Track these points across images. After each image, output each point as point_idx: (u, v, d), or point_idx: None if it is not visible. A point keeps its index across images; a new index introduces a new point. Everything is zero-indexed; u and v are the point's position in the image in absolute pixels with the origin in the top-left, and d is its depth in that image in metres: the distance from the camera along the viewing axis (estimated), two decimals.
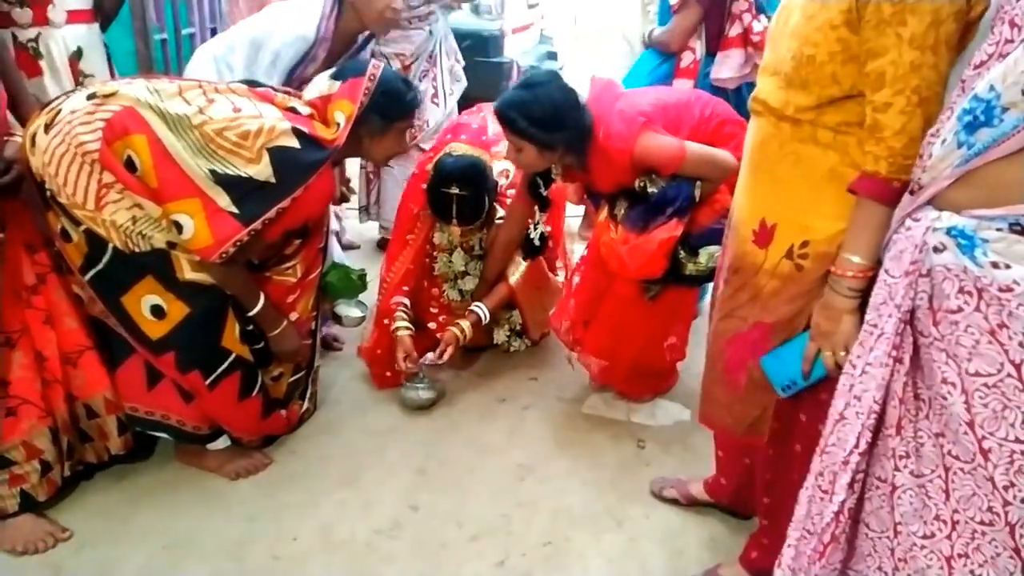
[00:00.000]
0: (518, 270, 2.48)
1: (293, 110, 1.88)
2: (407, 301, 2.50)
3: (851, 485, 1.10)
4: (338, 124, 1.88)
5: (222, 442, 2.05)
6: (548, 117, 1.94)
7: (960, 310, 0.99)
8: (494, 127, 2.50)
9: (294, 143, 1.80)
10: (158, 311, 1.80)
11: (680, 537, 1.93)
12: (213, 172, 1.72)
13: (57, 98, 1.76)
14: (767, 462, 1.60)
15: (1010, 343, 0.94)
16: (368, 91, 1.91)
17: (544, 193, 2.31)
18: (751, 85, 2.56)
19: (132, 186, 1.70)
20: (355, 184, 3.50)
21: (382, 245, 3.59)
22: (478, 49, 4.87)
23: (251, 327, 1.96)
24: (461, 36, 3.69)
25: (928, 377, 1.04)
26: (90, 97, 1.71)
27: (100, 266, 1.75)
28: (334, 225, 3.00)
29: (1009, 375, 0.94)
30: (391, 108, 1.97)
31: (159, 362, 1.86)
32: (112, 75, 2.16)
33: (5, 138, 1.67)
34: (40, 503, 1.84)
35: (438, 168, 2.34)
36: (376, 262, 3.51)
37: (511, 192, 2.49)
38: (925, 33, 1.08)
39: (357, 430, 2.32)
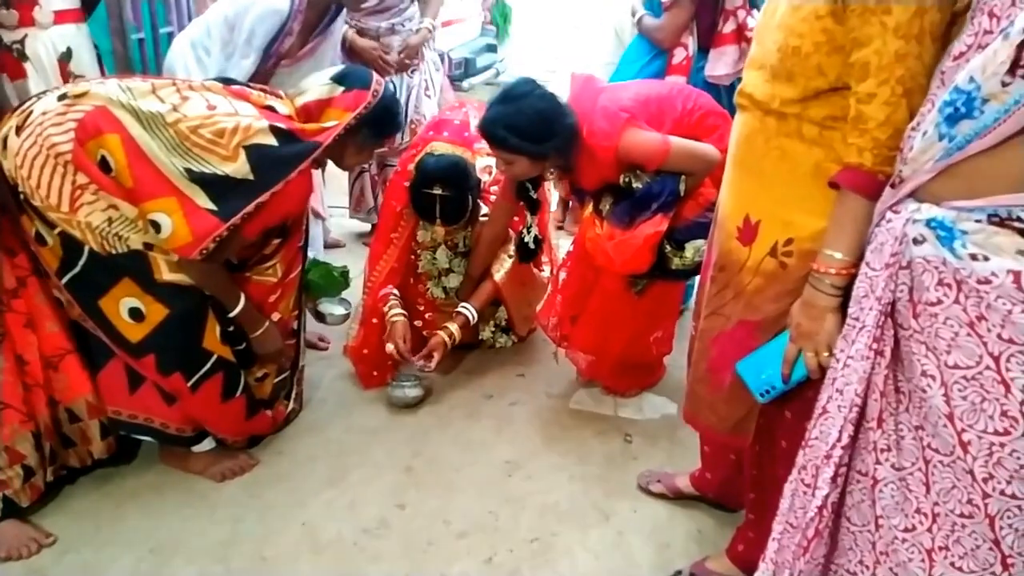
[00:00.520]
0: (503, 267, 2.47)
1: (271, 108, 1.87)
2: (396, 291, 2.49)
3: (834, 479, 1.10)
4: (324, 125, 1.88)
5: (207, 444, 2.04)
6: (537, 128, 1.93)
7: (939, 302, 0.99)
8: (475, 123, 2.49)
9: (271, 140, 1.79)
10: (136, 314, 1.78)
11: (667, 530, 1.93)
12: (188, 171, 1.71)
13: (28, 99, 1.73)
14: (753, 458, 1.60)
15: (988, 335, 0.94)
16: (368, 105, 1.93)
17: (534, 196, 2.30)
18: None
19: (106, 187, 1.68)
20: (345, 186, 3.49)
21: (366, 239, 3.57)
22: None
23: (232, 328, 1.95)
24: None
25: (908, 370, 1.04)
26: (61, 98, 1.69)
27: (76, 269, 1.73)
28: (316, 225, 2.98)
29: (988, 367, 0.94)
30: (382, 126, 2.03)
31: (139, 365, 1.84)
32: (103, 75, 2.13)
33: None
34: (23, 508, 1.82)
35: (420, 168, 2.32)
36: (362, 259, 3.51)
37: (495, 189, 2.48)
38: (910, 22, 1.07)
39: (343, 429, 2.31)
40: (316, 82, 1.98)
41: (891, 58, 1.09)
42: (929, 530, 1.01)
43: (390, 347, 2.36)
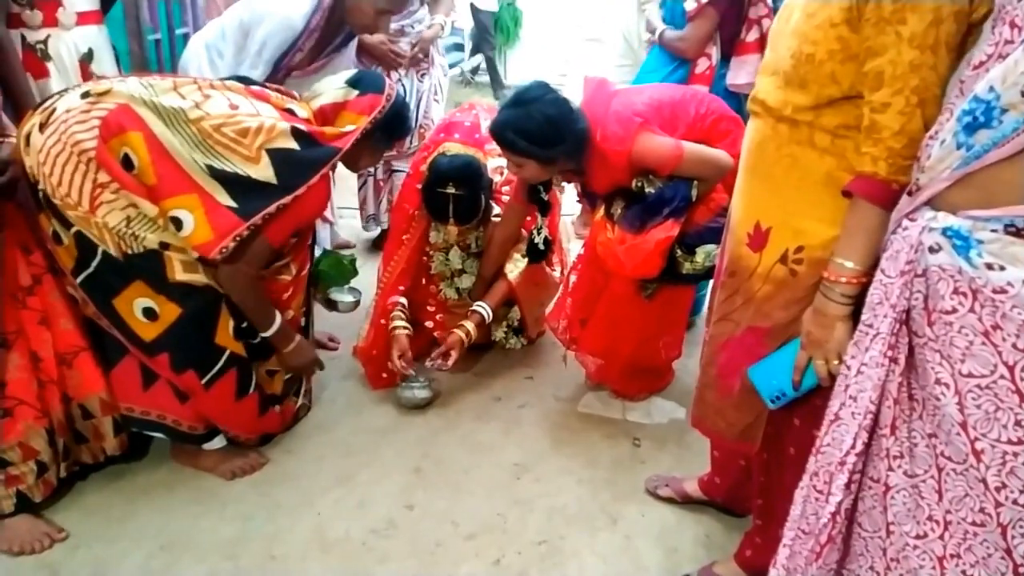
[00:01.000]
0: (518, 267, 2.48)
1: (290, 111, 1.89)
2: (404, 301, 2.50)
3: (848, 485, 1.10)
4: (343, 130, 1.91)
5: (218, 442, 2.05)
6: (545, 133, 1.94)
7: (954, 311, 0.99)
8: (487, 124, 2.50)
9: (293, 144, 1.82)
10: (150, 313, 1.80)
11: (675, 535, 1.94)
12: (210, 167, 1.73)
13: (50, 97, 1.75)
14: (761, 465, 1.60)
15: (1003, 345, 0.94)
16: (383, 109, 1.97)
17: (544, 197, 2.31)
18: None
19: (128, 185, 1.70)
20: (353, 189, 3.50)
21: (378, 244, 3.58)
22: None
23: (245, 324, 1.96)
24: None
25: (922, 378, 1.04)
26: (84, 95, 1.70)
27: (90, 269, 1.75)
28: (324, 228, 3.00)
29: (1002, 377, 0.94)
30: (394, 129, 2.08)
31: (153, 363, 1.86)
32: (121, 75, 2.14)
33: (1, 139, 1.66)
34: (36, 504, 1.84)
35: (433, 169, 2.33)
36: (371, 260, 3.53)
37: (506, 189, 2.49)
38: (925, 32, 1.07)
39: (352, 429, 2.32)
40: (331, 85, 2.01)
41: (905, 68, 1.09)
42: (941, 537, 1.01)
43: (395, 359, 2.38)
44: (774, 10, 2.53)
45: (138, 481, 2.03)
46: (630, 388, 2.45)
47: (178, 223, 1.72)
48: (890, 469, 1.07)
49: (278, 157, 1.78)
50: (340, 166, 2.10)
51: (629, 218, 1.99)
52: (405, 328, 2.44)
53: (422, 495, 2.05)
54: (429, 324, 2.63)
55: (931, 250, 1.02)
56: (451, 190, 2.27)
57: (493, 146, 2.39)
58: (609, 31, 3.40)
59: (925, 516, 1.03)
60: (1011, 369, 0.94)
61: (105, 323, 1.82)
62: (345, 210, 3.83)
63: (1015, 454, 0.94)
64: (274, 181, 1.78)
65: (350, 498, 2.02)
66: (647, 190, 1.98)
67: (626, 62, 3.22)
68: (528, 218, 2.46)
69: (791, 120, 1.27)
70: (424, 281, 2.62)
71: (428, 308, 2.64)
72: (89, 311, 1.83)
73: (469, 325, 2.42)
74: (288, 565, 1.80)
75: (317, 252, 2.37)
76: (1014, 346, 0.93)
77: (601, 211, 2.09)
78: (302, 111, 1.92)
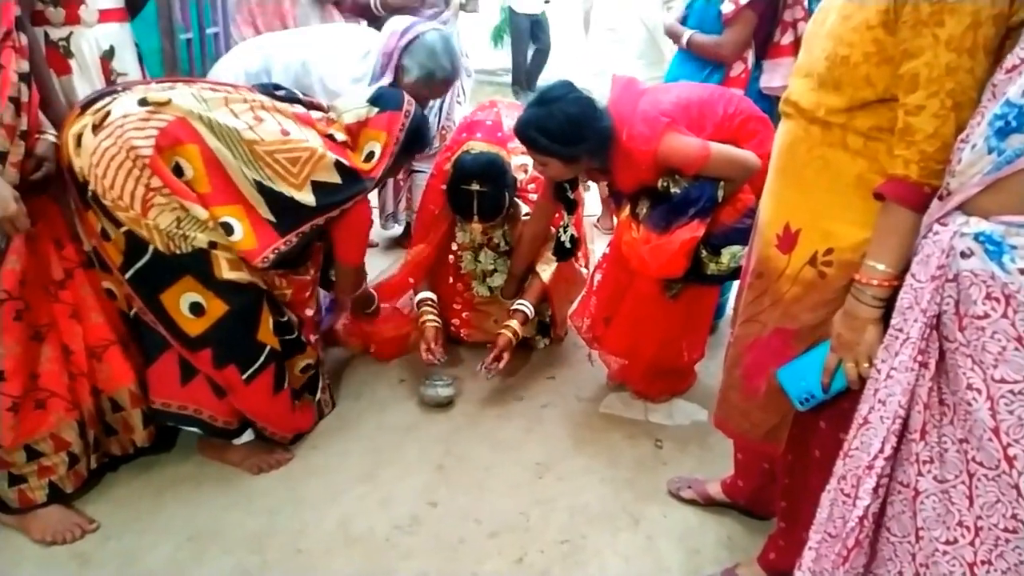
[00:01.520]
0: (550, 267, 2.50)
1: (331, 137, 2.00)
2: (434, 297, 2.53)
3: (876, 490, 1.09)
4: (372, 152, 2.04)
5: (246, 436, 2.08)
6: (567, 132, 1.95)
7: (987, 316, 0.98)
8: (508, 122, 2.52)
9: (336, 179, 1.95)
10: (197, 308, 1.84)
11: (697, 536, 1.94)
12: (258, 183, 1.83)
13: (100, 98, 1.77)
14: (785, 467, 1.60)
15: None
16: (403, 127, 2.08)
17: (571, 196, 2.32)
18: None
19: (179, 191, 1.75)
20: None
21: (401, 243, 3.61)
22: None
23: (284, 319, 2.02)
24: None
25: (953, 383, 1.04)
26: (142, 103, 1.74)
27: (139, 265, 1.78)
28: None
29: None
30: (414, 144, 2.17)
31: (195, 358, 1.89)
32: (143, 75, 2.18)
33: (36, 136, 1.69)
34: (67, 494, 1.87)
35: (458, 166, 2.36)
36: (391, 260, 3.55)
37: (532, 187, 2.50)
38: (963, 35, 1.06)
39: (376, 426, 2.34)
40: (353, 104, 2.10)
41: (942, 71, 1.08)
42: (971, 543, 1.01)
43: (423, 351, 2.42)
44: (810, 12, 2.52)
45: (166, 474, 2.07)
46: (652, 389, 2.45)
47: (229, 228, 1.82)
48: (920, 474, 1.06)
49: (321, 189, 1.92)
50: None
51: (654, 218, 1.99)
52: (435, 322, 2.48)
53: (445, 492, 2.06)
54: (456, 322, 2.65)
55: (963, 255, 1.01)
56: (475, 187, 2.30)
57: (516, 144, 2.41)
58: (633, 28, 3.37)
59: (955, 521, 1.02)
60: None
61: (149, 318, 1.85)
62: None
63: None
64: (313, 204, 1.91)
65: (374, 494, 2.04)
66: (673, 190, 1.98)
67: (644, 49, 3.20)
68: (558, 215, 2.48)
69: (824, 122, 1.27)
70: (451, 280, 2.64)
71: (454, 306, 2.66)
72: (134, 306, 1.87)
73: (515, 324, 2.44)
74: (313, 559, 1.82)
75: None
76: None
77: (626, 211, 2.10)
78: (339, 135, 2.02)
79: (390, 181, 3.41)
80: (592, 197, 3.85)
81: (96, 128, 1.71)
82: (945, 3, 1.06)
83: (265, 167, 1.84)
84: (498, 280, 2.59)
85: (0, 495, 1.79)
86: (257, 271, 1.91)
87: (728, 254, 1.99)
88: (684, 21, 2.73)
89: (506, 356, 2.39)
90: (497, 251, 2.57)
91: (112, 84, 1.96)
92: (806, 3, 2.50)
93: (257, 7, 2.90)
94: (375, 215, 3.60)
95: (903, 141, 1.14)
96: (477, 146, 2.44)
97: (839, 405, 1.37)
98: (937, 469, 1.05)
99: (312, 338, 2.18)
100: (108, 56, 1.99)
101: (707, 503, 2.01)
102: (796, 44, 2.54)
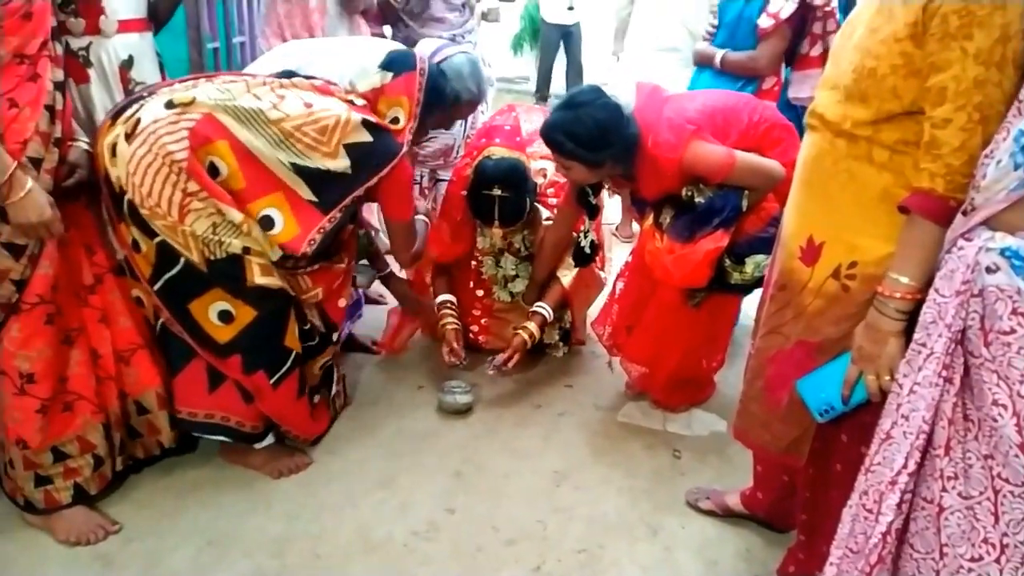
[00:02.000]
0: (570, 273, 2.51)
1: (351, 103, 1.96)
2: (454, 299, 2.56)
3: (899, 505, 1.09)
4: (396, 118, 2.00)
5: (268, 440, 2.10)
6: (594, 137, 1.95)
7: (1013, 331, 0.98)
8: (527, 127, 2.54)
9: (367, 137, 1.91)
10: (226, 316, 1.86)
11: (716, 548, 1.93)
12: (294, 165, 1.82)
13: (128, 106, 1.81)
14: (806, 480, 1.60)
15: None
16: (420, 87, 2.04)
17: (593, 201, 2.33)
18: None
19: (215, 192, 1.76)
20: None
21: None
22: None
23: (308, 327, 2.04)
24: None
25: (978, 398, 1.04)
26: (168, 105, 1.76)
27: (169, 275, 1.81)
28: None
29: None
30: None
31: (224, 365, 1.91)
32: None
33: (69, 143, 1.72)
34: (92, 496, 1.90)
35: (479, 171, 2.38)
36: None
37: (551, 191, 2.52)
38: (991, 49, 1.06)
39: (394, 432, 2.35)
40: (364, 72, 2.05)
41: (969, 84, 1.08)
42: (997, 560, 1.00)
43: (444, 353, 2.43)
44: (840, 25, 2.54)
45: (187, 477, 2.09)
46: (672, 399, 2.45)
47: (269, 223, 1.83)
48: (944, 490, 1.06)
49: (355, 152, 1.89)
50: None
51: (678, 227, 1.99)
52: (456, 324, 2.51)
53: (463, 499, 2.07)
54: (475, 328, 2.67)
55: (988, 270, 1.01)
56: (497, 192, 2.31)
57: (534, 149, 2.43)
58: (670, 18, 3.32)
59: (980, 539, 1.02)
60: None
61: (176, 328, 1.88)
62: None
63: None
64: (350, 171, 1.89)
65: (392, 500, 2.05)
66: (697, 199, 1.98)
67: (684, 47, 3.18)
68: (581, 227, 2.49)
69: (849, 135, 1.27)
70: (472, 285, 2.65)
71: (474, 312, 2.68)
72: (163, 316, 1.90)
73: (532, 326, 2.45)
74: (332, 564, 1.84)
75: None
76: None
77: (650, 219, 2.10)
78: (359, 101, 1.99)
79: (415, 188, 3.44)
80: (611, 205, 3.85)
81: (129, 137, 1.73)
82: (974, 16, 1.06)
83: (296, 143, 1.83)
84: (519, 286, 2.60)
85: (27, 495, 1.82)
86: (286, 276, 1.93)
87: (752, 263, 1.98)
88: (713, 38, 2.75)
89: (517, 357, 2.40)
90: (518, 256, 2.58)
91: (131, 92, 1.99)
92: (838, 16, 2.52)
93: (285, 19, 2.94)
94: None
95: (929, 154, 1.14)
96: (498, 152, 2.46)
97: (861, 419, 1.36)
98: (962, 485, 1.04)
99: (344, 331, 2.18)
100: (127, 65, 2.02)
101: (726, 514, 2.00)
102: (825, 56, 2.56)
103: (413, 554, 1.88)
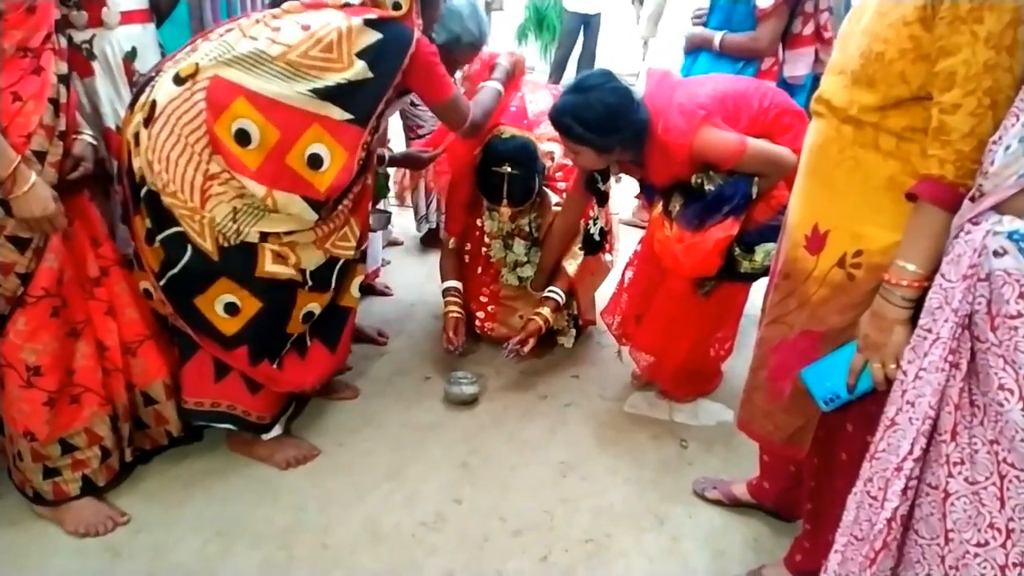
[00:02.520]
0: (576, 261, 2.51)
1: (347, 5, 1.86)
2: (460, 287, 2.57)
3: (904, 492, 1.08)
4: (397, 4, 1.86)
5: (275, 431, 2.11)
6: (603, 121, 1.94)
7: (1020, 315, 0.97)
8: (533, 108, 2.52)
9: (376, 36, 1.80)
10: (232, 308, 1.86)
11: (723, 537, 1.93)
12: (314, 90, 1.75)
13: (140, 92, 1.80)
14: (811, 470, 1.59)
15: None
16: None
17: (602, 188, 2.32)
18: (817, 77, 2.54)
19: (236, 165, 1.72)
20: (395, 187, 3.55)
21: (426, 242, 3.63)
22: None
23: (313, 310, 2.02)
24: None
25: (984, 383, 1.03)
26: (177, 81, 1.73)
27: (175, 270, 1.81)
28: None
29: None
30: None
31: (231, 357, 1.92)
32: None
33: (74, 136, 1.72)
34: (100, 487, 1.91)
35: (488, 149, 2.38)
36: (417, 260, 3.57)
37: (559, 175, 2.51)
38: (1002, 33, 1.04)
39: (401, 424, 2.36)
40: None
41: (979, 68, 1.06)
42: (1003, 546, 1.00)
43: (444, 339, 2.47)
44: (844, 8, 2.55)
45: (195, 468, 2.10)
46: (679, 390, 2.44)
47: (317, 160, 1.79)
48: (950, 476, 1.05)
49: (369, 54, 1.79)
50: None
51: (688, 216, 1.97)
52: (458, 312, 2.53)
53: (470, 490, 2.07)
54: (481, 315, 2.67)
55: (996, 254, 1.00)
56: (507, 169, 2.32)
57: (542, 131, 2.42)
58: None
59: (986, 523, 1.01)
60: None
61: (181, 324, 1.89)
62: (393, 207, 3.89)
63: None
64: (370, 75, 1.80)
65: (400, 491, 2.06)
66: (707, 187, 1.96)
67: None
68: (590, 213, 2.48)
69: (856, 121, 1.25)
70: (480, 270, 2.65)
71: (480, 299, 2.68)
72: (167, 312, 1.90)
73: (546, 311, 2.46)
74: (340, 555, 1.84)
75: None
76: None
77: (659, 208, 2.08)
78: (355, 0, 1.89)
79: (422, 184, 3.44)
80: (619, 194, 3.84)
81: (148, 121, 1.73)
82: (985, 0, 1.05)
83: (309, 70, 1.74)
84: (528, 271, 2.60)
85: (36, 487, 1.83)
86: (308, 249, 1.91)
87: (762, 252, 1.97)
88: (706, 22, 2.73)
89: (532, 342, 2.41)
90: (528, 240, 2.58)
91: (135, 85, 1.98)
92: None
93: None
94: (410, 216, 3.65)
95: (938, 140, 1.13)
96: (508, 130, 2.45)
97: (866, 407, 1.36)
98: (968, 471, 1.04)
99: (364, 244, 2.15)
100: (131, 57, 2.02)
101: (733, 504, 2.00)
102: (816, 34, 2.59)
103: (420, 545, 1.88)
